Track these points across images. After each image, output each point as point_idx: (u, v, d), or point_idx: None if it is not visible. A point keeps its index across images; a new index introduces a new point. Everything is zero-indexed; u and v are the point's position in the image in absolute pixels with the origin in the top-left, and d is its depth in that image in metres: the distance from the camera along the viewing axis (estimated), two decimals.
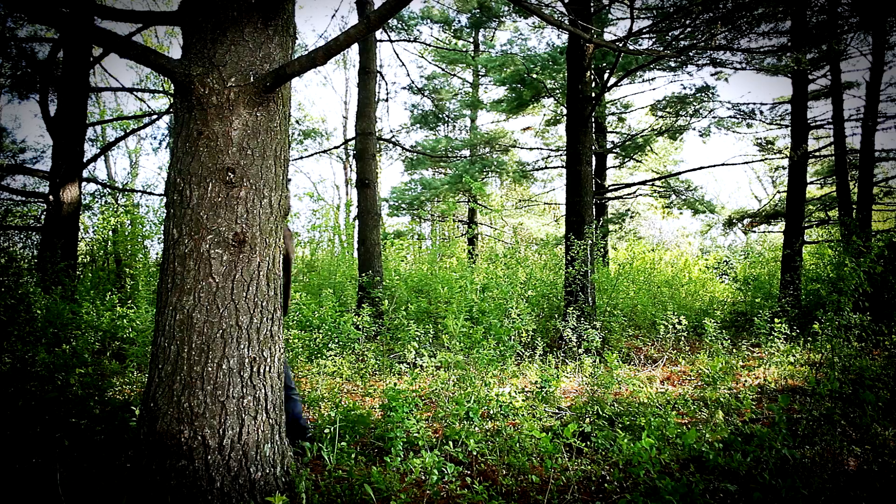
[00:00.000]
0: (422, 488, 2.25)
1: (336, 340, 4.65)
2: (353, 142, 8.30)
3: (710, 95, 8.15)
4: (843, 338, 3.97)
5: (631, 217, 12.44)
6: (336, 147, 13.63)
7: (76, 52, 5.89)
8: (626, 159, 12.32)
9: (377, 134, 9.55)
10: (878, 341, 4.29)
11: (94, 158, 6.39)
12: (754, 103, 8.04)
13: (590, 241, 5.88)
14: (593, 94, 6.28)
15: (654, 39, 6.47)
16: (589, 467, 2.47)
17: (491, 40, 13.70)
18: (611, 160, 12.66)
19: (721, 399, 3.37)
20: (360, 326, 5.32)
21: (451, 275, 7.51)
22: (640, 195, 11.93)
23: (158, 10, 2.89)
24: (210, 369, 2.07)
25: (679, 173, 10.98)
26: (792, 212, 6.88)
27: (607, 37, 8.18)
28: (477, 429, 2.77)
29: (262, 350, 2.19)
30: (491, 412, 2.98)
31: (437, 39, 13.43)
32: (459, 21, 12.82)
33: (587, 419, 3.04)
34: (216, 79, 2.13)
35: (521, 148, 12.82)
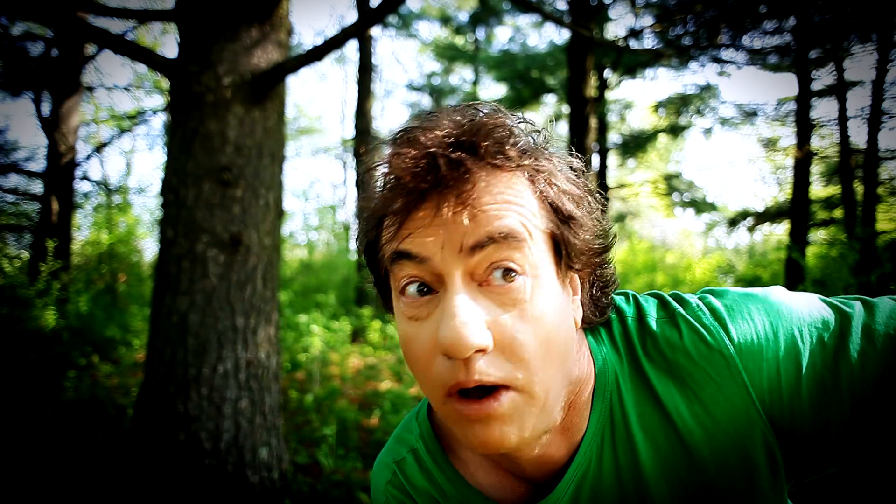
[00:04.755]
0: None
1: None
2: (350, 140, 8.26)
3: (713, 94, 8.10)
4: None
5: (632, 217, 12.40)
6: (333, 146, 13.60)
7: (70, 50, 5.85)
8: (628, 158, 12.29)
9: (375, 132, 9.52)
10: None
11: (88, 157, 6.35)
12: (758, 102, 8.00)
13: None
14: (594, 93, 6.24)
15: (656, 37, 6.42)
16: None
17: (491, 38, 13.65)
18: (612, 159, 12.62)
19: None
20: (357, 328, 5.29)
21: None
22: (642, 194, 11.89)
23: (154, 8, 2.86)
24: (205, 372, 2.03)
25: (681, 173, 10.94)
26: (796, 212, 6.83)
27: (608, 35, 8.14)
28: None
29: (259, 352, 2.15)
30: None
31: (437, 36, 13.38)
32: (459, 18, 12.78)
33: None
34: (212, 77, 2.09)
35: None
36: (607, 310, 0.50)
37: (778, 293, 0.48)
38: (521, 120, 0.45)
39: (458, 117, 0.41)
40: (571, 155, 0.47)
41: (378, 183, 0.43)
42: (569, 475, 0.47)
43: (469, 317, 0.36)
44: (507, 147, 0.40)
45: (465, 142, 0.39)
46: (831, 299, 0.47)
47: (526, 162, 0.41)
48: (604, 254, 0.47)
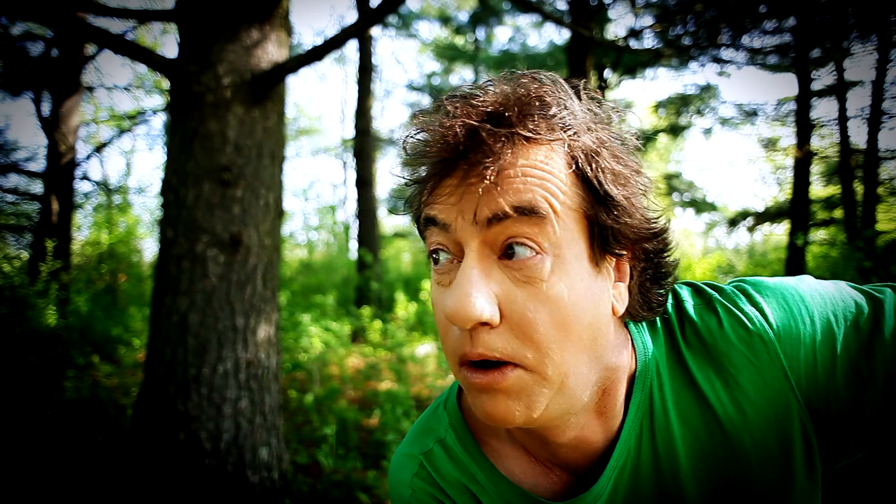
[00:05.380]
0: None
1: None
2: (350, 140, 8.27)
3: (713, 94, 8.11)
4: None
5: None
6: (333, 146, 13.59)
7: (70, 50, 5.85)
8: None
9: (375, 132, 9.53)
10: None
11: (88, 157, 6.36)
12: (758, 102, 8.01)
13: None
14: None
15: (656, 37, 6.42)
16: None
17: (491, 38, 13.65)
18: None
19: None
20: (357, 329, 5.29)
21: None
22: None
23: (154, 8, 2.86)
24: (205, 372, 2.03)
25: (681, 173, 10.94)
26: (796, 212, 6.84)
27: (608, 35, 8.14)
28: None
29: (259, 352, 2.15)
30: None
31: (437, 36, 13.39)
32: (459, 18, 12.78)
33: None
34: (212, 77, 2.09)
35: None
36: (657, 306, 0.46)
37: (809, 281, 0.48)
38: (576, 90, 0.43)
39: (506, 87, 0.40)
40: (628, 132, 0.44)
41: (416, 149, 0.42)
42: (610, 466, 0.46)
43: (474, 288, 0.36)
44: (540, 120, 0.39)
45: (497, 113, 0.38)
46: (862, 286, 0.47)
47: (562, 136, 0.39)
48: (654, 240, 0.44)
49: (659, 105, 9.06)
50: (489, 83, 0.41)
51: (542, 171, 0.38)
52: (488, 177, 0.37)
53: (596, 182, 0.40)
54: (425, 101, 13.92)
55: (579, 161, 0.40)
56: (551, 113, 0.39)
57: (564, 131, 0.40)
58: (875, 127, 6.19)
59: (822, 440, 0.45)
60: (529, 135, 0.38)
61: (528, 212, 0.37)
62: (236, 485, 2.03)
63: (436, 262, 0.41)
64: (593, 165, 0.40)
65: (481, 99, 0.39)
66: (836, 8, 6.05)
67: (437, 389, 3.64)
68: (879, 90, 6.17)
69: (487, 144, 0.37)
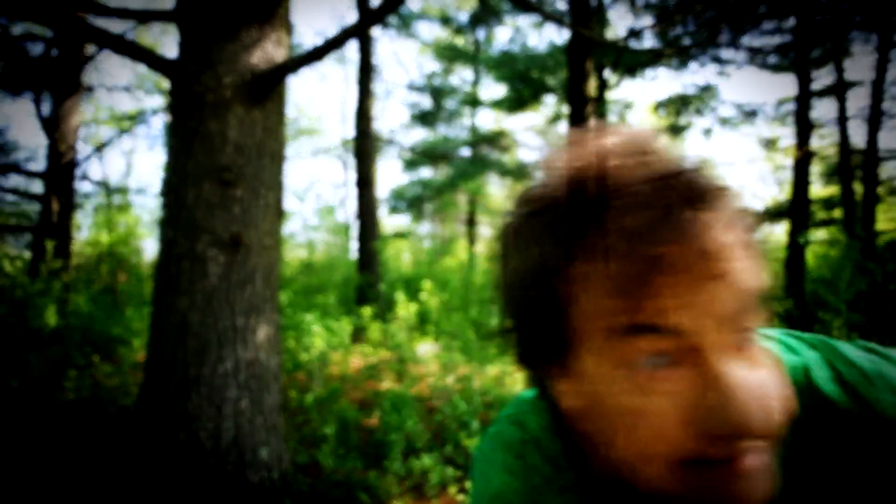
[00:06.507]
0: (421, 492, 2.22)
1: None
2: (351, 141, 8.28)
3: (713, 94, 8.11)
4: (845, 337, 3.93)
5: None
6: (334, 146, 13.59)
7: (70, 50, 5.85)
8: None
9: (375, 133, 9.53)
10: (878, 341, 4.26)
11: (88, 157, 6.37)
12: (758, 102, 8.02)
13: None
14: (594, 93, 6.24)
15: (656, 37, 6.43)
16: None
17: (491, 38, 13.66)
18: None
19: None
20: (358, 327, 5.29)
21: (450, 275, 7.48)
22: None
23: (154, 8, 2.86)
24: (205, 372, 2.03)
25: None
26: (796, 212, 6.84)
27: (609, 35, 8.14)
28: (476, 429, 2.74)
29: (259, 353, 2.16)
30: (490, 412, 2.95)
31: (437, 37, 13.41)
32: (459, 18, 12.79)
33: None
34: (212, 77, 2.09)
35: (523, 147, 12.79)
36: None
37: None
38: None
39: (653, 151, 0.34)
40: None
41: (555, 232, 0.33)
42: None
43: (760, 392, 0.31)
44: (725, 193, 0.33)
45: (697, 189, 0.32)
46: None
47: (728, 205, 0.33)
48: None
49: (659, 105, 9.06)
50: (614, 141, 0.34)
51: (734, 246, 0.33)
52: (730, 267, 0.31)
53: None
54: (425, 101, 13.88)
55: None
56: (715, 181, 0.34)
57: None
58: (875, 127, 6.19)
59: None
60: (711, 208, 0.32)
61: (757, 294, 0.33)
62: (236, 485, 2.03)
63: (631, 365, 0.32)
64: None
65: (654, 169, 0.32)
66: (836, 8, 6.05)
67: (437, 389, 3.64)
68: (879, 90, 6.17)
69: (713, 225, 0.31)
